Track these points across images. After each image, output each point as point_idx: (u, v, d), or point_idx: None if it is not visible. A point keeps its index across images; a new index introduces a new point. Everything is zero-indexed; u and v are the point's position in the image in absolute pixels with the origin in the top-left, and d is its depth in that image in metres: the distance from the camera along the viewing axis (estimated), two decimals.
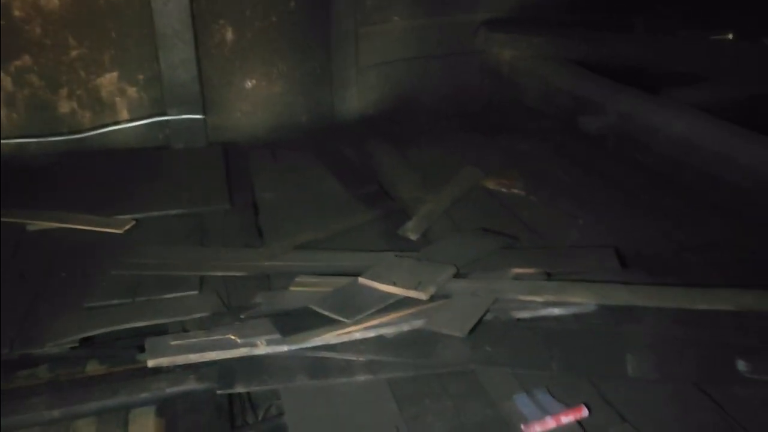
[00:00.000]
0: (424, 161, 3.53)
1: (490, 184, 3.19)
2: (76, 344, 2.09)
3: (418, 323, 2.04)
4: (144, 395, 1.89)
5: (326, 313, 2.05)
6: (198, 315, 2.18)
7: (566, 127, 3.78)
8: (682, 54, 4.13)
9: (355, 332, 1.99)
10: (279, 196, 3.15)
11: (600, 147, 3.59)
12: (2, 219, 2.85)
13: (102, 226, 2.78)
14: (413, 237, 2.68)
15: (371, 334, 2.01)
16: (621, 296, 2.16)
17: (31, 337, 2.11)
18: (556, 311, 2.12)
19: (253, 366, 1.93)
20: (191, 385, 1.90)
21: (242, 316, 2.13)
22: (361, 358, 1.94)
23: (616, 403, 1.78)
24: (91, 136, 3.73)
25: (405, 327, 2.03)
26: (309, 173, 3.41)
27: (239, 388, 1.88)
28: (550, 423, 1.67)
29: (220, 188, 3.21)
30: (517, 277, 2.28)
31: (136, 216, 2.88)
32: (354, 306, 2.07)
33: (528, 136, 3.83)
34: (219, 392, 1.87)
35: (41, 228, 2.80)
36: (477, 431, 1.70)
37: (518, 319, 2.11)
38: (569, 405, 1.73)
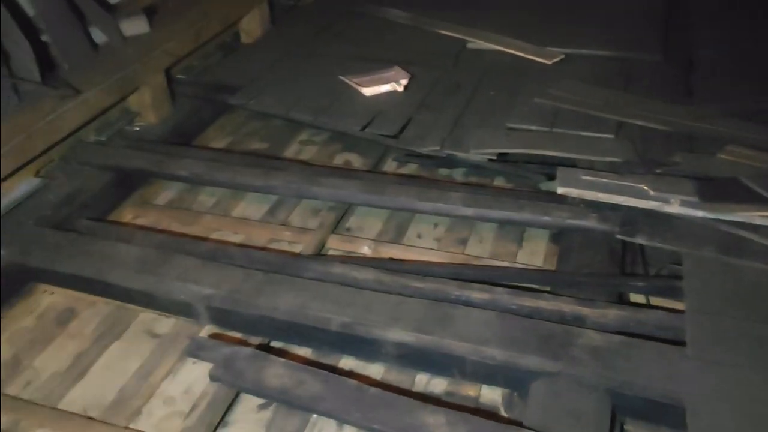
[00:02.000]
0: None
1: None
2: (493, 157, 2.25)
3: None
4: (545, 219, 1.97)
5: (759, 190, 1.82)
6: (610, 159, 2.15)
7: None
8: None
9: None
10: (719, 54, 2.81)
11: None
12: (445, 33, 3.12)
13: (533, 55, 2.86)
14: None
15: None
16: None
17: (457, 141, 2.33)
18: None
19: (659, 222, 1.85)
20: (592, 222, 1.90)
21: (658, 171, 2.03)
22: None
23: None
24: None
25: None
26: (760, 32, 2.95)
27: (640, 239, 1.83)
28: None
29: (654, 36, 2.99)
30: None
31: (566, 51, 2.88)
32: None
33: None
34: (619, 236, 1.85)
35: (479, 47, 3.00)
36: None
37: None
38: None
